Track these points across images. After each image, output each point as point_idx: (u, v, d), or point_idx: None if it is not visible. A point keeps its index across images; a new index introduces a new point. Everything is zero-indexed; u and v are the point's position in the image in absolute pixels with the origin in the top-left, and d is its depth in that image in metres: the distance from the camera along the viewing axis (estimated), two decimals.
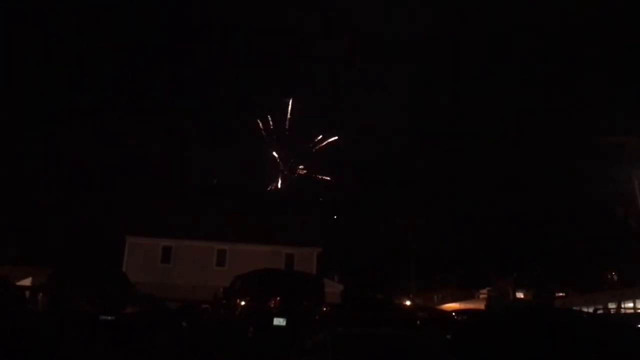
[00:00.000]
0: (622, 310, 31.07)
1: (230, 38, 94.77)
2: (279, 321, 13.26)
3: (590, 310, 25.00)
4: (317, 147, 66.14)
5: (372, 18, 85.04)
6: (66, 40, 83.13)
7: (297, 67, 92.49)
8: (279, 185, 61.21)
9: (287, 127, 65.63)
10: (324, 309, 15.09)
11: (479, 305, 38.61)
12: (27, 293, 16.29)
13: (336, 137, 66.30)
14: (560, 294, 46.65)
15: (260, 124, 65.63)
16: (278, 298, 13.94)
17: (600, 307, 29.64)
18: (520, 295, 51.42)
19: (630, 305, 33.81)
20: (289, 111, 66.02)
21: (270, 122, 66.06)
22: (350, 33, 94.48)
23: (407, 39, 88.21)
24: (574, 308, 28.40)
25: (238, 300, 14.76)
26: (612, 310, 30.87)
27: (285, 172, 63.89)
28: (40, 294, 14.40)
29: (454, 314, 19.74)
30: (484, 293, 51.67)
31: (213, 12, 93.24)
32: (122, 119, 68.02)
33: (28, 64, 73.44)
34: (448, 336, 10.65)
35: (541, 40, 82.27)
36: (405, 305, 23.25)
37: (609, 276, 51.83)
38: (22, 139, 56.51)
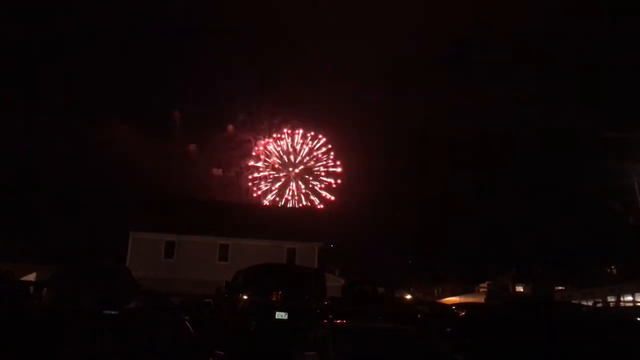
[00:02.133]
0: (622, 304, 31.27)
1: (224, 42, 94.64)
2: (280, 315, 13.36)
3: (590, 303, 25.21)
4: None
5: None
6: (65, 39, 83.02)
7: (295, 69, 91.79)
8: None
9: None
10: (325, 303, 15.24)
11: (479, 299, 38.85)
12: (32, 288, 16.50)
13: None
14: (559, 288, 46.84)
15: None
16: (280, 292, 14.05)
17: (600, 300, 29.84)
18: (519, 289, 51.58)
19: (630, 298, 33.99)
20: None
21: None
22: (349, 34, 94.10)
23: (405, 38, 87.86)
24: (573, 302, 28.56)
25: (240, 295, 14.88)
26: (611, 303, 31.07)
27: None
28: (45, 289, 14.56)
29: (454, 307, 19.87)
30: (483, 287, 51.95)
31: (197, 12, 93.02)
32: (124, 116, 68.01)
33: (28, 61, 73.38)
34: (448, 329, 10.76)
35: (542, 38, 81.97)
36: (406, 299, 23.33)
37: (608, 270, 51.91)
38: (25, 136, 56.61)
